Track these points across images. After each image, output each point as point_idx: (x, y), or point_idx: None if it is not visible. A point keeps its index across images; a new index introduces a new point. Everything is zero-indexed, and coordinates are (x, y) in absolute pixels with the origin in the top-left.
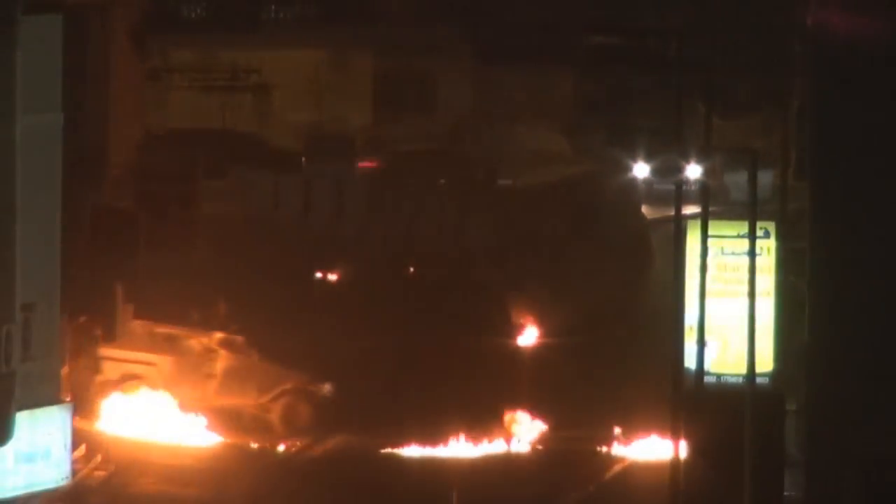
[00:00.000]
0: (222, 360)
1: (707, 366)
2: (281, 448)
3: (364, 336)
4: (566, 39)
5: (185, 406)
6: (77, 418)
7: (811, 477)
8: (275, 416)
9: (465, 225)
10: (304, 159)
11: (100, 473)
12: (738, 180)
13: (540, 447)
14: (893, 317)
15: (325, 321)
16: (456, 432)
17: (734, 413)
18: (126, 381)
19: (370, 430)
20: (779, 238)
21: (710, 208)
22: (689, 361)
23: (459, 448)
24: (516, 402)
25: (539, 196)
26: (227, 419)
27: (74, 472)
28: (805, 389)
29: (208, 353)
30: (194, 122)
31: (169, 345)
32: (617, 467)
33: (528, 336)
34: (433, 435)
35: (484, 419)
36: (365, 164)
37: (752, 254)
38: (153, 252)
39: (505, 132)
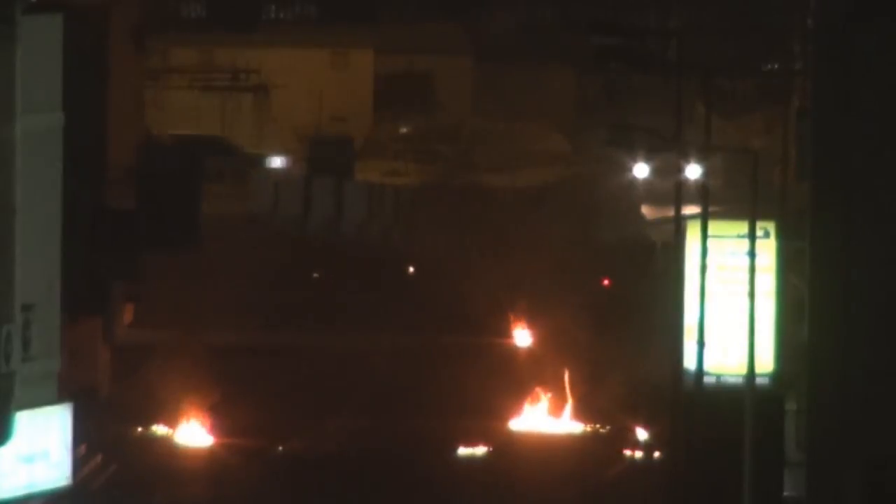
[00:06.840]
0: None
1: (707, 366)
2: (280, 448)
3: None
4: (566, 39)
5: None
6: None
7: (811, 477)
8: None
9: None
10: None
11: (100, 474)
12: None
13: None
14: (894, 317)
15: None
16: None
17: (734, 413)
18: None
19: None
20: (779, 238)
21: (710, 208)
22: (689, 361)
23: (459, 446)
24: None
25: (539, 195)
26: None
27: (74, 473)
28: (805, 389)
29: None
30: (194, 122)
31: None
32: (617, 467)
33: (526, 335)
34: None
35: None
36: None
37: (752, 254)
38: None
39: (505, 132)
